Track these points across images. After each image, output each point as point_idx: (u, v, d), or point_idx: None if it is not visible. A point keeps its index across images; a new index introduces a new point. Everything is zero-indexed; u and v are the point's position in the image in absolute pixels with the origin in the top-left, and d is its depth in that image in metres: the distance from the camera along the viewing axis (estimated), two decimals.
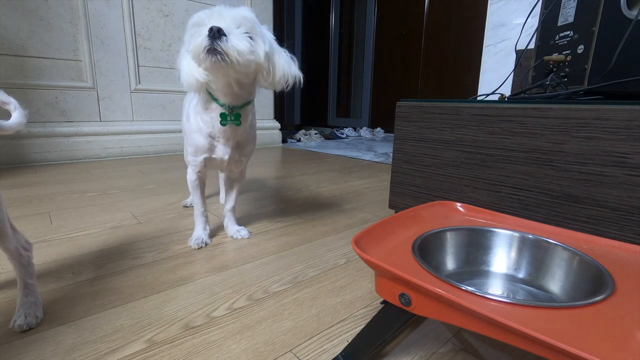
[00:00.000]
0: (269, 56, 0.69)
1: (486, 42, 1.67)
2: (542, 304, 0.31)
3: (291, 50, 0.77)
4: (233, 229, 0.89)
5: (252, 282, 0.67)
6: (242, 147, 0.80)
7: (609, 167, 0.55)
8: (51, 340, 0.49)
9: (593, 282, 0.38)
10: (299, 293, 0.63)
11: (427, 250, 0.44)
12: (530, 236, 0.47)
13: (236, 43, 0.61)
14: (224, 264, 0.74)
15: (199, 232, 0.84)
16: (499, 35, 1.62)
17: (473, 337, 0.52)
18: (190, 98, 0.85)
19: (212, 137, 0.76)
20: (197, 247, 0.80)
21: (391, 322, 0.42)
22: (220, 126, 0.74)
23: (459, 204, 0.58)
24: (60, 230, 0.90)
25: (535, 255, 0.46)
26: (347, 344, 0.46)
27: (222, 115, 0.73)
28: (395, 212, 0.76)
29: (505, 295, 0.44)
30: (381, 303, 0.42)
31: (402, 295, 0.36)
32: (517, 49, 0.94)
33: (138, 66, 2.00)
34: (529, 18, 0.88)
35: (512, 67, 0.96)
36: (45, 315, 0.55)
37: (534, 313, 0.30)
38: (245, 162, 0.84)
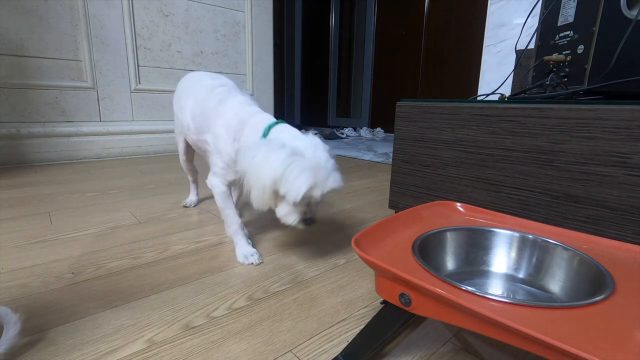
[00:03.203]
0: None
1: (486, 42, 1.67)
2: (542, 304, 0.31)
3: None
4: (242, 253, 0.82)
5: (252, 282, 0.67)
6: None
7: (609, 167, 0.55)
8: (51, 340, 0.49)
9: (593, 282, 0.38)
10: (299, 293, 0.63)
11: (427, 250, 0.44)
12: (530, 236, 0.47)
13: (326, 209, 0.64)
14: (224, 264, 0.74)
15: (246, 248, 0.76)
16: (499, 35, 1.62)
17: (473, 337, 0.52)
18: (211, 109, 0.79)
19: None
20: (257, 263, 0.74)
21: (391, 322, 0.42)
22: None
23: (459, 204, 0.58)
24: (60, 230, 0.90)
25: (535, 255, 0.46)
26: (347, 344, 0.46)
27: None
28: (395, 212, 0.76)
29: (505, 295, 0.44)
30: (381, 303, 0.42)
31: (402, 295, 0.36)
32: (517, 49, 0.94)
33: (138, 66, 2.00)
34: (529, 18, 0.88)
35: (512, 67, 0.96)
36: (45, 315, 0.55)
37: (534, 313, 0.30)
38: None
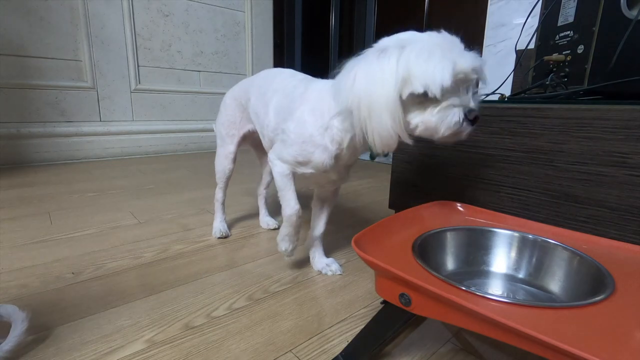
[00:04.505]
0: None
1: (486, 42, 1.67)
2: (542, 304, 0.31)
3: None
4: (321, 262, 0.73)
5: (252, 282, 0.67)
6: (351, 165, 0.67)
7: (609, 167, 0.55)
8: (51, 340, 0.49)
9: (593, 282, 0.38)
10: (299, 293, 0.63)
11: (427, 250, 0.44)
12: (530, 236, 0.47)
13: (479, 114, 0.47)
14: (224, 264, 0.74)
15: (291, 238, 0.67)
16: (499, 35, 1.62)
17: (473, 337, 0.52)
18: (285, 95, 0.68)
19: (337, 158, 0.62)
20: (288, 253, 0.69)
21: (391, 322, 0.42)
22: (347, 149, 0.60)
23: (459, 204, 0.58)
24: (60, 230, 0.90)
25: (535, 255, 0.46)
26: (347, 344, 0.46)
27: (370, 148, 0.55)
28: (395, 212, 0.76)
29: (505, 295, 0.44)
30: (381, 303, 0.42)
31: (402, 295, 0.36)
32: (517, 49, 0.94)
33: (138, 66, 2.00)
34: (529, 18, 0.88)
35: (512, 67, 0.96)
36: (45, 315, 0.55)
37: (534, 313, 0.30)
38: (347, 178, 0.70)
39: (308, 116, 0.61)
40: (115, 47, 1.90)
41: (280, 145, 0.65)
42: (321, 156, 0.60)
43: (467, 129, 0.47)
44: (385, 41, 0.50)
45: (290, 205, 0.65)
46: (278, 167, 0.65)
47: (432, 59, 0.44)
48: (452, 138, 0.48)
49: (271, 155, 0.67)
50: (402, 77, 0.45)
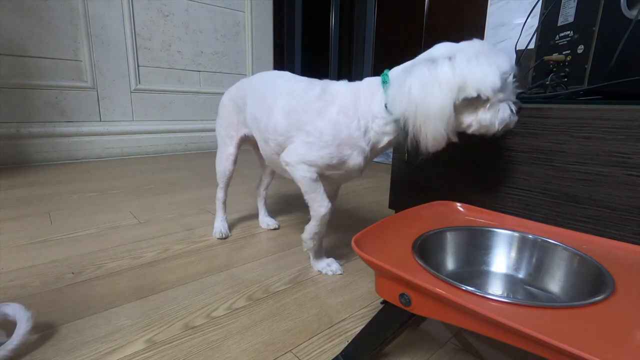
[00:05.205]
0: None
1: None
2: (542, 304, 0.31)
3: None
4: (322, 262, 0.73)
5: (252, 282, 0.67)
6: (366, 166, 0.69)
7: (609, 167, 0.55)
8: (51, 340, 0.49)
9: (593, 282, 0.38)
10: (299, 293, 0.63)
11: (427, 250, 0.44)
12: (530, 236, 0.47)
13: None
14: (224, 264, 0.74)
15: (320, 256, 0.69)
16: (499, 35, 1.62)
17: (473, 337, 0.52)
18: (306, 94, 0.66)
19: (366, 159, 0.63)
20: (340, 272, 0.71)
21: (391, 322, 0.42)
22: (379, 150, 0.63)
23: (459, 204, 0.58)
24: (60, 230, 0.90)
25: (535, 255, 0.46)
26: (347, 344, 0.46)
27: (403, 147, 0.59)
28: (395, 212, 0.76)
29: (505, 295, 0.44)
30: (381, 303, 0.42)
31: (402, 295, 0.36)
32: (517, 49, 0.94)
33: (138, 66, 2.00)
34: (529, 18, 0.88)
35: None
36: (45, 315, 0.55)
37: (534, 313, 0.30)
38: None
39: (341, 117, 0.61)
40: (115, 47, 1.90)
41: (304, 148, 0.63)
42: (357, 158, 0.62)
43: (515, 119, 0.53)
44: (430, 53, 0.56)
45: (323, 204, 0.65)
46: (303, 171, 0.63)
47: (481, 66, 0.50)
48: (503, 130, 0.54)
49: (290, 159, 0.64)
50: (458, 85, 0.50)
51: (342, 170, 0.63)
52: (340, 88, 0.64)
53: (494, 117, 0.53)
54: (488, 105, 0.52)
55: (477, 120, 0.54)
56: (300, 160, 0.63)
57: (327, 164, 0.62)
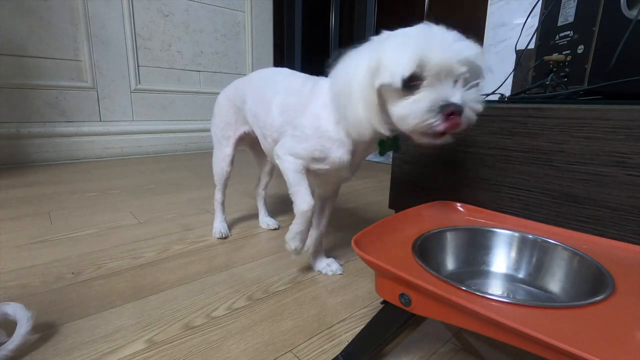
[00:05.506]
0: None
1: (486, 42, 1.67)
2: (542, 304, 0.31)
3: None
4: (322, 262, 0.73)
5: (252, 282, 0.67)
6: (359, 164, 0.66)
7: (609, 167, 0.55)
8: (51, 340, 0.49)
9: (593, 282, 0.38)
10: (299, 293, 0.63)
11: (427, 250, 0.44)
12: (530, 236, 0.47)
13: (471, 115, 0.44)
14: (224, 264, 0.74)
15: (297, 236, 0.64)
16: (499, 35, 1.62)
17: (473, 337, 0.52)
18: (297, 90, 0.66)
19: (353, 153, 0.60)
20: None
21: (391, 322, 0.42)
22: (365, 144, 0.59)
23: (459, 204, 0.58)
24: (60, 230, 0.90)
25: (535, 255, 0.46)
26: (347, 344, 0.46)
27: (380, 143, 0.57)
28: (395, 212, 0.76)
29: (505, 295, 0.44)
30: (381, 303, 0.42)
31: (402, 295, 0.36)
32: (517, 49, 0.94)
33: (138, 66, 2.00)
34: (529, 18, 0.88)
35: (512, 67, 0.96)
36: (45, 315, 0.55)
37: (534, 313, 0.30)
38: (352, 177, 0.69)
39: (321, 111, 0.60)
40: (115, 47, 1.90)
41: (292, 141, 0.63)
42: (338, 151, 0.59)
43: (439, 125, 0.42)
44: (376, 36, 0.50)
45: (305, 200, 0.62)
46: (289, 162, 0.62)
47: (400, 50, 0.43)
48: (425, 137, 0.45)
49: (279, 151, 0.64)
50: (373, 67, 0.45)
51: (327, 165, 0.61)
52: (327, 82, 0.62)
53: (410, 110, 0.44)
54: (411, 96, 0.44)
55: (396, 110, 0.45)
56: (287, 152, 0.63)
57: (311, 157, 0.61)
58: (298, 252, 0.65)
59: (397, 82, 0.43)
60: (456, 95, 0.42)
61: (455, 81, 0.43)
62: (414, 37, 0.44)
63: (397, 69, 0.42)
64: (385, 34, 0.48)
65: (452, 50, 0.42)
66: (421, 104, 0.43)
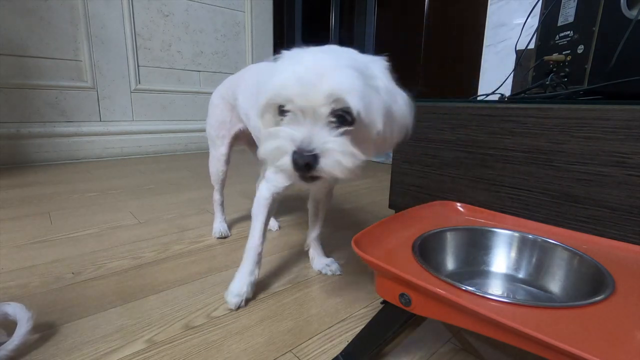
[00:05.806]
0: (386, 121, 0.45)
1: (486, 42, 1.67)
2: (542, 304, 0.31)
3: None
4: (321, 262, 0.72)
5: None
6: None
7: (609, 167, 0.55)
8: (51, 340, 0.49)
9: (593, 282, 0.38)
10: (299, 293, 0.63)
11: (427, 250, 0.44)
12: (530, 236, 0.47)
13: (334, 162, 0.38)
14: (224, 264, 0.74)
15: (245, 280, 0.60)
16: (499, 35, 1.62)
17: (473, 337, 0.52)
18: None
19: None
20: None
21: (391, 322, 0.42)
22: None
23: (459, 204, 0.58)
24: (60, 230, 0.90)
25: (535, 255, 0.46)
26: (347, 344, 0.46)
27: None
28: (395, 212, 0.76)
29: (505, 295, 0.44)
30: (381, 303, 0.42)
31: (402, 295, 0.36)
32: (517, 49, 0.94)
33: (138, 66, 2.00)
34: (529, 18, 0.88)
35: (512, 67, 0.96)
36: (45, 315, 0.55)
37: (534, 313, 0.30)
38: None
39: None
40: (115, 47, 1.90)
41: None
42: None
43: (291, 172, 0.37)
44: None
45: (254, 236, 0.60)
46: (261, 191, 0.60)
47: (268, 78, 0.40)
48: (290, 177, 0.41)
49: (260, 183, 0.62)
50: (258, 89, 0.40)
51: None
52: None
53: (264, 140, 0.39)
54: (277, 126, 0.40)
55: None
56: (265, 179, 0.61)
57: None
58: (242, 304, 0.58)
59: (260, 112, 0.40)
60: (308, 140, 0.36)
61: (329, 120, 0.38)
62: (279, 68, 0.41)
63: (260, 98, 0.39)
64: (283, 53, 0.45)
65: (312, 86, 0.37)
66: (272, 142, 0.38)
